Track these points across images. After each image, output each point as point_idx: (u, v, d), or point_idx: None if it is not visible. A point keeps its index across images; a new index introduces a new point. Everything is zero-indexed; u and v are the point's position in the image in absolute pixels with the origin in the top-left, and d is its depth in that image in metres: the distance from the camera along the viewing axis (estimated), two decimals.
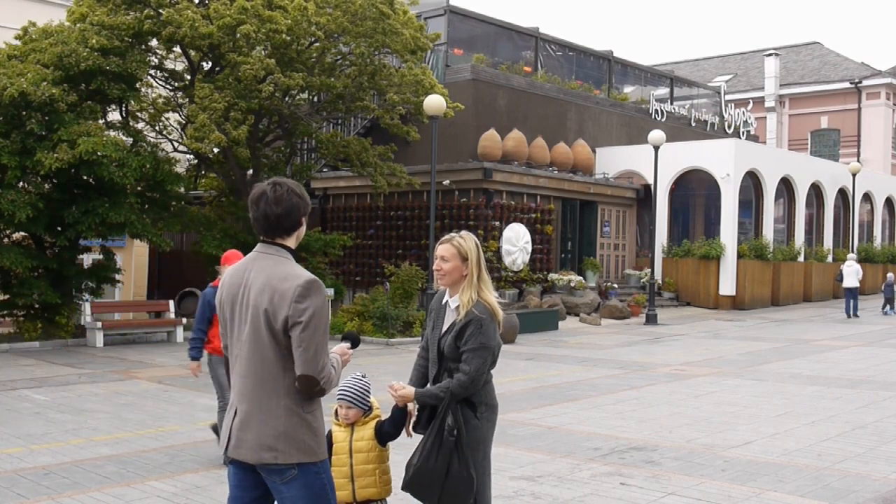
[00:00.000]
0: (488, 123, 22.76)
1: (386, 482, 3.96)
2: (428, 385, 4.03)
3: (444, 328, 3.97)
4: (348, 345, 3.60)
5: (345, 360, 3.47)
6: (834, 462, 7.13)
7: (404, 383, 3.93)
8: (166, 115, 19.72)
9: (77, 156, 14.86)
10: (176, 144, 20.23)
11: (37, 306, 16.19)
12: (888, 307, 24.33)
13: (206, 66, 19.17)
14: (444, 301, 4.06)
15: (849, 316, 22.92)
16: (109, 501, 5.95)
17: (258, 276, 3.26)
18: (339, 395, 3.97)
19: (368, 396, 4.00)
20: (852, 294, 23.19)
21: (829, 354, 14.89)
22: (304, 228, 3.42)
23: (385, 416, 4.06)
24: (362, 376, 4.06)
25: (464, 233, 4.08)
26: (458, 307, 3.94)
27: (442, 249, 3.97)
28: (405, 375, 4.26)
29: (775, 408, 9.71)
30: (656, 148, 21.29)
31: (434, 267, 4.00)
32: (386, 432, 3.96)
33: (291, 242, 3.37)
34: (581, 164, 25.08)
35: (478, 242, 4.06)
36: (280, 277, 3.21)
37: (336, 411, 4.04)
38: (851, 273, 23.44)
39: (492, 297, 3.96)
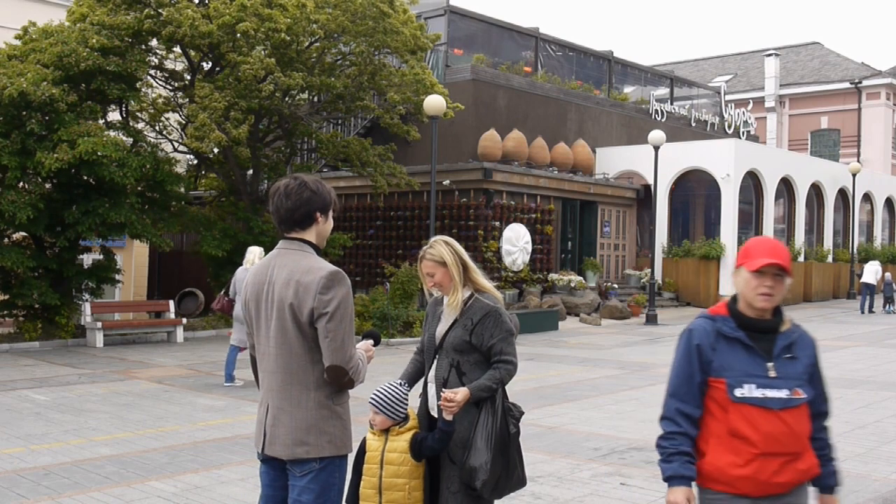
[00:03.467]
0: (488, 123, 22.76)
1: (416, 499, 3.77)
2: (429, 377, 4.02)
3: (448, 324, 3.96)
4: (371, 342, 3.60)
5: (369, 356, 3.48)
6: None
7: (455, 389, 3.81)
8: (166, 115, 19.73)
9: (77, 156, 14.86)
10: (176, 144, 20.24)
11: (37, 306, 16.17)
12: (888, 306, 24.62)
13: (206, 66, 19.18)
14: (445, 299, 4.06)
15: (863, 312, 24.07)
16: (109, 501, 5.95)
17: (281, 272, 3.29)
18: (370, 398, 3.86)
19: (400, 406, 3.82)
20: (869, 290, 24.37)
21: (829, 354, 14.88)
22: (325, 224, 3.41)
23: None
24: (400, 384, 3.90)
25: (434, 239, 4.07)
26: (465, 301, 3.95)
27: (424, 267, 3.99)
28: None
29: None
30: (656, 148, 21.29)
31: (429, 284, 4.00)
32: (428, 447, 3.78)
33: (311, 237, 3.37)
34: (581, 165, 25.08)
35: (449, 240, 4.05)
36: (303, 270, 3.24)
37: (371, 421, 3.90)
38: (870, 271, 24.68)
39: (488, 282, 4.02)
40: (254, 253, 11.11)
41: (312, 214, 3.35)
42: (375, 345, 3.64)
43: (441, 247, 3.98)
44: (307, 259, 3.30)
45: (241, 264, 18.40)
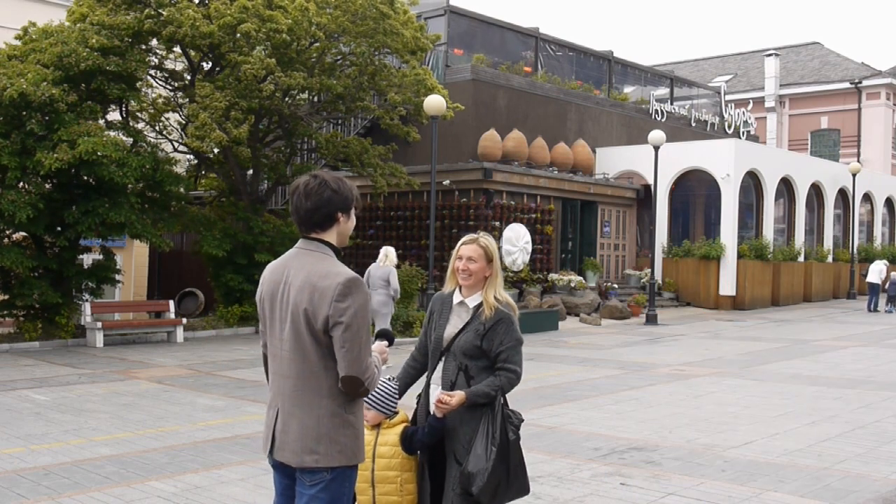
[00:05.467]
0: (488, 123, 22.76)
1: (408, 492, 3.82)
2: (432, 378, 4.02)
3: (458, 327, 3.95)
4: (386, 343, 3.56)
5: (383, 358, 3.42)
6: (834, 462, 7.13)
7: (451, 392, 3.83)
8: (166, 115, 19.73)
9: (77, 156, 14.85)
10: (176, 144, 20.24)
11: (37, 306, 16.17)
12: (890, 305, 24.77)
13: (206, 66, 19.18)
14: (454, 301, 4.04)
15: (869, 310, 24.75)
16: (109, 501, 5.95)
17: (298, 274, 3.18)
18: None
19: (392, 401, 3.86)
20: (874, 290, 25.16)
21: (829, 354, 14.89)
22: (346, 224, 3.30)
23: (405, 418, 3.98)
24: (389, 379, 3.94)
25: (483, 233, 4.09)
26: (477, 306, 3.95)
27: (469, 250, 3.95)
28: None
29: (775, 408, 9.71)
30: (656, 148, 21.29)
31: (460, 266, 3.95)
32: (419, 441, 3.83)
33: (331, 238, 3.26)
34: (581, 164, 25.08)
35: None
36: (320, 275, 3.13)
37: None
38: (875, 271, 25.50)
39: (504, 293, 4.04)
40: (388, 252, 12.99)
41: (333, 215, 3.24)
42: (389, 345, 3.59)
43: (494, 243, 4.03)
44: (325, 262, 3.18)
45: (241, 264, 18.58)
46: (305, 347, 3.15)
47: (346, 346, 3.07)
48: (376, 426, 3.88)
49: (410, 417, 4.04)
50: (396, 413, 3.90)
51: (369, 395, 3.82)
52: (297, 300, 3.15)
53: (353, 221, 3.34)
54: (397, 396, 3.91)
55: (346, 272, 3.15)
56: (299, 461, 3.15)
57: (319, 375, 3.15)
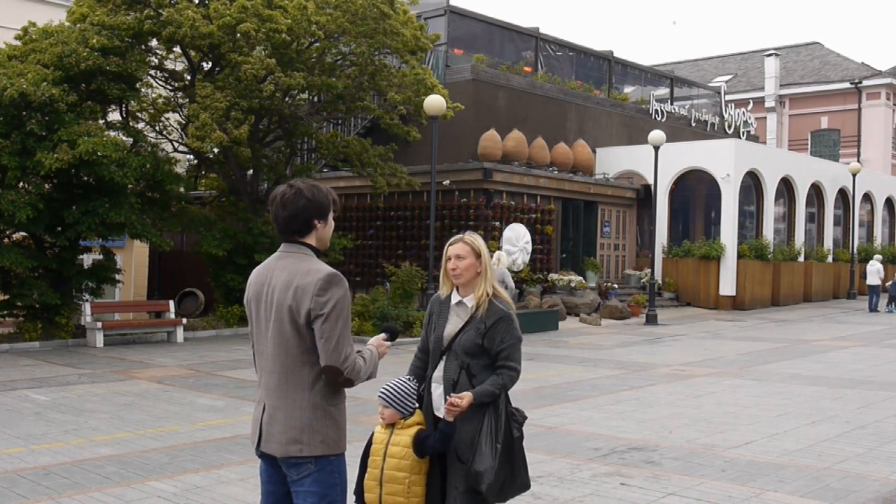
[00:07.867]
0: (488, 123, 22.76)
1: (415, 494, 3.82)
2: (433, 376, 4.03)
3: (458, 326, 3.98)
4: (385, 336, 3.63)
5: (381, 351, 3.53)
6: (834, 462, 7.13)
7: (461, 395, 3.83)
8: (166, 115, 19.73)
9: (77, 156, 14.85)
10: (176, 144, 20.24)
11: (37, 306, 16.17)
12: (892, 305, 24.80)
13: (206, 66, 19.18)
14: (452, 301, 4.07)
15: (870, 310, 24.85)
16: (109, 501, 5.95)
17: (281, 275, 3.35)
18: (378, 392, 3.92)
19: (408, 400, 3.89)
20: (874, 291, 25.46)
21: (830, 355, 14.89)
22: (324, 229, 3.46)
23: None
24: (409, 379, 3.98)
25: (469, 233, 4.14)
26: (476, 304, 3.98)
27: (456, 248, 4.02)
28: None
29: (775, 408, 9.71)
30: (656, 148, 21.29)
31: (450, 267, 4.02)
32: (430, 446, 3.83)
33: (311, 241, 3.43)
34: (581, 165, 25.08)
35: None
36: (302, 273, 3.30)
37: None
38: (873, 272, 25.88)
39: (502, 290, 4.08)
40: (500, 257, 13.83)
41: (310, 222, 3.39)
42: (392, 339, 3.66)
43: (480, 239, 4.09)
44: (306, 262, 3.35)
45: (241, 264, 18.58)
46: (288, 343, 3.30)
47: (325, 336, 3.23)
48: (391, 425, 3.88)
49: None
50: (413, 413, 3.91)
51: (387, 393, 3.88)
52: (280, 299, 3.31)
53: (331, 226, 3.50)
54: (415, 396, 3.94)
55: (326, 269, 3.31)
56: (284, 451, 3.29)
57: (302, 370, 3.31)
